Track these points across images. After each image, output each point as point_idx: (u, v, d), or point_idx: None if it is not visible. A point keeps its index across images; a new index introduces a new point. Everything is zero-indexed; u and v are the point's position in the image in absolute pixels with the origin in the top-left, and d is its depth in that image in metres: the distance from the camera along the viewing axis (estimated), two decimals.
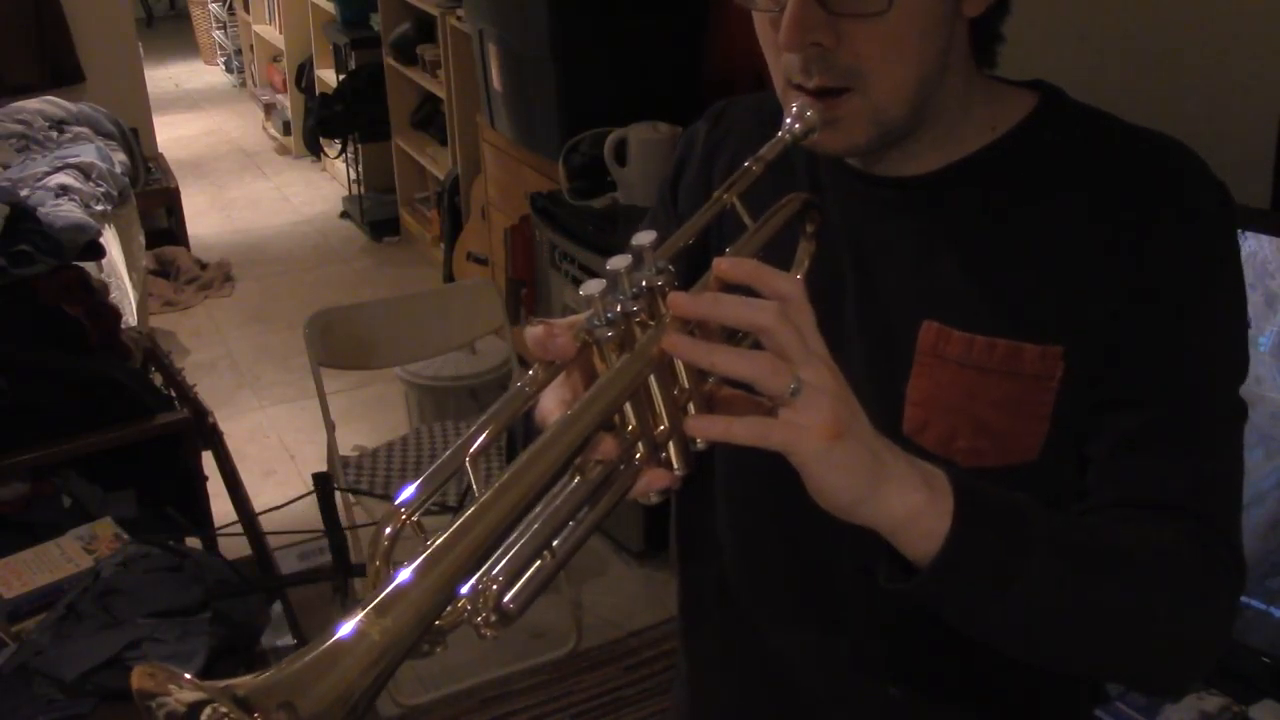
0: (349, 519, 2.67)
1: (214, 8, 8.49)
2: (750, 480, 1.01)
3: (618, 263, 0.72)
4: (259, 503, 2.72)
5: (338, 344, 2.79)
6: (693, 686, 1.17)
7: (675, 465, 0.74)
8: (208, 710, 0.53)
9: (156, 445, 2.50)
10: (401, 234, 5.47)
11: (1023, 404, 0.88)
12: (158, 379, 2.72)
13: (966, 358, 0.89)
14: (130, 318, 3.47)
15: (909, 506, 0.73)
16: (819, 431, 0.69)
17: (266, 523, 2.61)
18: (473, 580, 0.64)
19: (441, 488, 0.66)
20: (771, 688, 1.06)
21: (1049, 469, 0.89)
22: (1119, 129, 0.91)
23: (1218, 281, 0.87)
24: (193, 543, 2.35)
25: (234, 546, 2.58)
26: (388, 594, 0.58)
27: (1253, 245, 1.54)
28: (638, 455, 0.72)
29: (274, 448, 3.82)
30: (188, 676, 0.54)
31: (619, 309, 0.71)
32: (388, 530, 0.63)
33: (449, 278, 4.57)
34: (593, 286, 0.71)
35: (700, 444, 0.73)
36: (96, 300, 2.68)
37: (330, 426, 2.76)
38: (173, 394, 2.66)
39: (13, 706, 1.76)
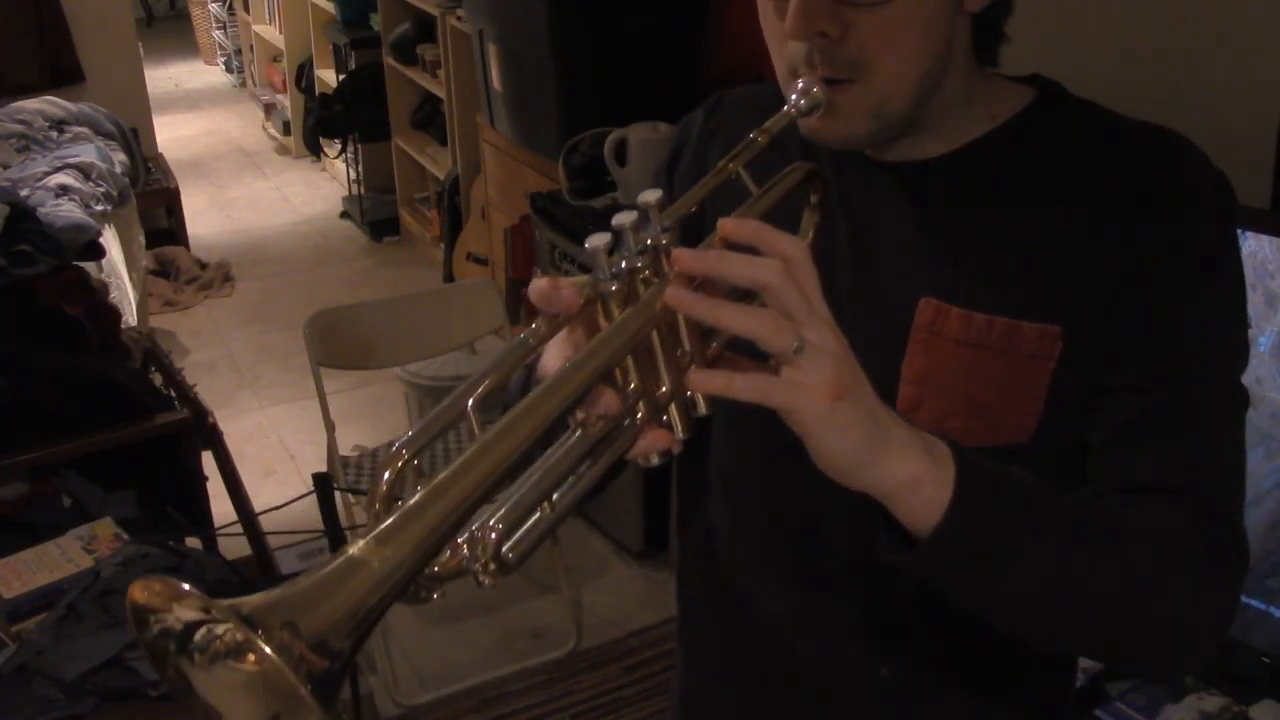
0: (349, 519, 2.67)
1: (214, 8, 8.49)
2: (745, 459, 1.01)
3: (623, 219, 0.71)
4: (259, 503, 2.72)
5: (337, 344, 2.80)
6: (688, 672, 1.17)
7: (676, 428, 0.73)
8: (203, 630, 0.53)
9: (156, 445, 2.50)
10: (401, 234, 5.46)
11: (1019, 384, 0.88)
12: (158, 379, 2.72)
13: (964, 335, 0.89)
14: (130, 318, 3.47)
15: (910, 473, 0.73)
16: (821, 391, 0.69)
17: (266, 523, 2.61)
18: (472, 529, 0.64)
19: (441, 434, 0.66)
20: (764, 669, 1.06)
21: (1041, 452, 0.89)
22: (1118, 119, 0.92)
23: (1216, 268, 0.87)
24: (193, 543, 2.35)
25: (234, 546, 2.58)
26: (387, 526, 0.59)
27: (1253, 245, 1.54)
28: (639, 415, 0.72)
29: (274, 448, 3.82)
30: (187, 587, 0.54)
31: (623, 265, 0.71)
32: (386, 474, 0.63)
33: (449, 278, 4.57)
34: (597, 240, 0.71)
35: (702, 408, 0.73)
36: (96, 300, 2.68)
37: (330, 426, 2.76)
38: (173, 394, 2.66)
39: (13, 706, 1.76)
